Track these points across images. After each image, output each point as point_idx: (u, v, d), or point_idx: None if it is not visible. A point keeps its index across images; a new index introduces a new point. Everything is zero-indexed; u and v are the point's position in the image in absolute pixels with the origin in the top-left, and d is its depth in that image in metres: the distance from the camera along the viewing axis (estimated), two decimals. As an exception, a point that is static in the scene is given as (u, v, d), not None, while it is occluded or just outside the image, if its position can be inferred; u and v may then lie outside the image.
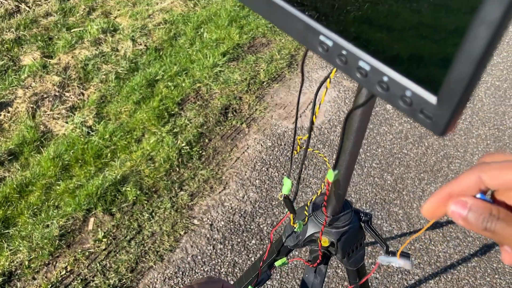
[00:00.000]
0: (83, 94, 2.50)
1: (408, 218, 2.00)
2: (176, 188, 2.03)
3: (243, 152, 2.23)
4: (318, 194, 0.84)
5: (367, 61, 0.34)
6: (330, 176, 0.65)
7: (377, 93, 0.35)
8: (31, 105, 2.38)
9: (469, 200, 0.37)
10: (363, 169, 2.20)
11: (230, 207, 1.98)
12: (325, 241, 0.79)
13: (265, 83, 2.65)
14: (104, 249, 1.80)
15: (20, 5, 3.05)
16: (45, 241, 1.80)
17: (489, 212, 0.36)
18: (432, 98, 0.30)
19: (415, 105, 0.32)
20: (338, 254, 0.81)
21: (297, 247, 0.84)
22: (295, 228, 0.81)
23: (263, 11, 0.41)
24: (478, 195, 0.37)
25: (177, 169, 2.11)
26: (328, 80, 0.62)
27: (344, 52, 0.35)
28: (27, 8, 3.04)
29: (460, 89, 0.28)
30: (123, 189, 2.00)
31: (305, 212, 0.82)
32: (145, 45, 2.88)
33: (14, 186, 2.00)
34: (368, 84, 0.35)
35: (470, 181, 0.37)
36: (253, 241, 1.86)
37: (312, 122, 0.59)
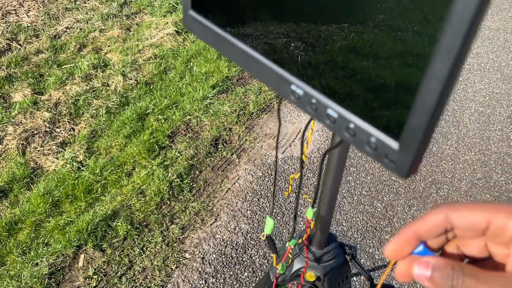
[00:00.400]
0: (73, 130, 2.52)
1: (400, 245, 2.00)
2: (167, 222, 2.02)
3: (234, 183, 2.24)
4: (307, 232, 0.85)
5: (334, 109, 0.36)
6: (309, 213, 0.66)
7: (346, 138, 0.37)
8: (21, 142, 2.39)
9: (431, 260, 0.36)
10: (353, 196, 2.22)
11: (221, 239, 1.97)
12: (311, 276, 0.80)
13: (254, 114, 2.69)
14: (95, 286, 1.78)
15: (11, 43, 3.10)
16: (34, 280, 1.78)
17: (451, 268, 0.35)
18: (394, 144, 0.33)
19: (380, 150, 0.34)
20: (323, 288, 0.81)
21: (284, 282, 0.84)
22: (277, 269, 0.81)
23: (240, 61, 0.44)
24: (420, 247, 0.36)
25: (168, 202, 2.11)
26: (313, 121, 0.64)
27: (313, 100, 0.38)
28: (18, 46, 3.08)
29: (418, 136, 0.31)
30: (114, 224, 1.99)
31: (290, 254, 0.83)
32: (136, 80, 2.92)
33: (3, 224, 1.98)
34: (337, 130, 0.37)
35: (436, 220, 0.36)
36: (246, 274, 1.85)
37: (302, 165, 0.61)
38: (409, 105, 0.31)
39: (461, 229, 0.37)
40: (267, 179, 2.27)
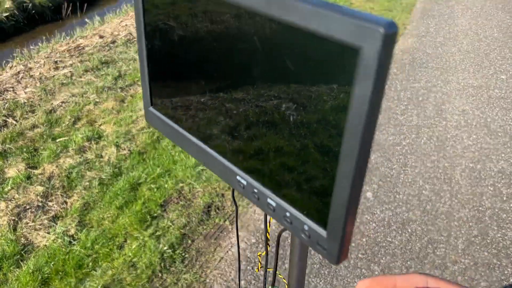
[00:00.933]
0: (66, 203, 2.52)
1: (399, 310, 1.94)
2: (159, 295, 1.97)
3: (227, 251, 2.21)
4: None
5: (273, 199, 0.40)
6: None
7: (285, 225, 0.40)
8: (13, 218, 2.38)
9: None
10: (350, 261, 2.18)
11: (215, 312, 1.91)
12: None
13: (246, 180, 2.71)
14: None
15: (7, 119, 3.17)
16: None
17: None
18: (323, 232, 0.36)
19: (313, 238, 0.37)
20: None
21: None
22: None
23: (194, 154, 0.47)
24: None
25: (160, 275, 2.06)
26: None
27: (255, 190, 0.41)
28: (15, 122, 3.16)
29: (341, 224, 0.34)
30: (104, 300, 1.93)
31: None
32: (129, 150, 2.96)
33: (-10, 305, 1.92)
34: (277, 218, 0.40)
35: (417, 282, 0.39)
36: None
37: (266, 243, 0.62)
38: (329, 196, 0.34)
39: None
40: (260, 245, 2.24)
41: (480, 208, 2.52)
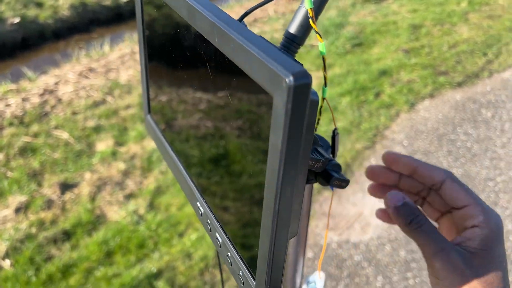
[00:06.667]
0: (141, 183, 2.66)
1: None
2: (207, 290, 2.00)
3: (281, 261, 2.17)
4: None
5: (220, 235, 0.39)
6: None
7: (227, 266, 0.39)
8: (94, 189, 2.57)
9: (407, 197, 0.44)
10: (409, 297, 2.02)
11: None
12: None
13: (315, 190, 2.64)
14: None
15: (106, 97, 3.44)
16: (72, 327, 1.83)
17: (417, 214, 0.43)
18: (252, 283, 0.35)
19: (245, 285, 0.36)
20: None
21: None
22: None
23: (172, 170, 0.47)
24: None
25: (211, 270, 2.09)
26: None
27: (209, 221, 0.41)
28: (112, 101, 3.41)
29: (264, 280, 0.32)
30: (156, 283, 2.01)
31: None
32: (208, 142, 3.04)
33: (60, 266, 2.10)
34: (222, 255, 0.40)
35: (439, 177, 0.47)
36: None
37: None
38: (256, 248, 0.33)
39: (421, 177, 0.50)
40: (316, 261, 2.17)
41: None
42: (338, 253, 2.24)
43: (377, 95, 3.62)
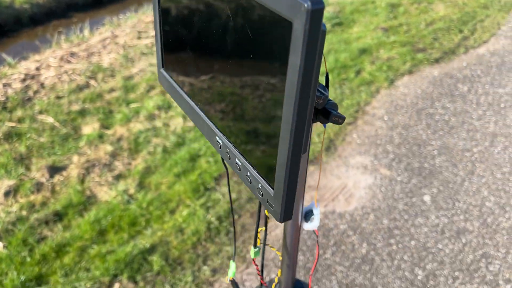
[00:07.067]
0: (130, 164, 2.70)
1: (438, 319, 1.87)
2: (199, 262, 2.07)
3: (270, 232, 2.25)
4: (276, 280, 0.86)
5: (239, 159, 0.45)
6: (252, 253, 0.73)
7: (247, 185, 0.45)
8: (83, 171, 2.60)
9: None
10: (393, 261, 2.13)
11: (250, 287, 1.97)
12: None
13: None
14: (123, 317, 1.84)
15: (90, 81, 3.43)
16: (70, 302, 1.88)
17: None
18: (271, 192, 0.40)
19: (264, 196, 0.41)
20: None
21: None
22: None
23: (189, 115, 0.52)
24: None
25: (204, 243, 2.16)
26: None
27: (228, 150, 0.46)
28: (95, 84, 3.41)
29: (283, 186, 0.37)
30: (150, 258, 2.07)
31: None
32: (194, 122, 3.08)
33: (53, 246, 2.14)
34: (242, 177, 0.44)
35: None
36: (269, 326, 1.82)
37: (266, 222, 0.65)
38: (275, 159, 0.38)
39: None
40: (301, 229, 2.25)
41: (549, 229, 2.32)
42: (325, 223, 2.33)
43: (358, 73, 3.70)
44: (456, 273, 2.08)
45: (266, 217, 0.67)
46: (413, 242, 2.24)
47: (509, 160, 2.85)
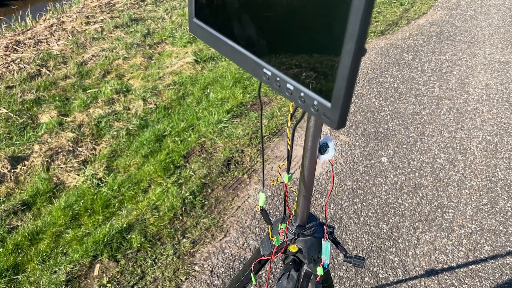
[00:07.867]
0: (95, 149, 2.67)
1: (404, 265, 2.05)
2: (179, 236, 2.12)
3: (244, 201, 2.33)
4: (293, 213, 0.95)
5: (291, 83, 0.51)
6: (286, 178, 0.80)
7: (299, 105, 0.51)
8: (46, 159, 2.55)
9: None
10: (359, 218, 2.29)
11: (230, 254, 2.06)
12: (293, 248, 0.91)
13: (266, 137, 2.81)
14: (108, 294, 1.87)
15: (41, 69, 3.32)
16: (52, 286, 1.88)
17: None
18: (328, 105, 0.47)
19: (320, 110, 0.48)
20: (305, 259, 0.92)
21: (271, 255, 0.95)
22: (273, 241, 0.92)
23: (230, 56, 0.58)
24: None
25: (181, 218, 2.21)
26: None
27: (278, 79, 0.52)
28: (48, 72, 3.30)
29: (342, 96, 0.45)
30: (129, 236, 2.10)
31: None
32: (155, 104, 3.08)
33: (26, 234, 2.11)
34: (294, 99, 0.51)
35: None
36: (252, 287, 1.91)
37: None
38: (335, 74, 0.44)
39: None
40: (276, 198, 2.36)
41: (493, 178, 2.58)
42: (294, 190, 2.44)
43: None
44: (417, 224, 2.27)
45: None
46: (375, 200, 2.41)
47: (454, 120, 3.09)
